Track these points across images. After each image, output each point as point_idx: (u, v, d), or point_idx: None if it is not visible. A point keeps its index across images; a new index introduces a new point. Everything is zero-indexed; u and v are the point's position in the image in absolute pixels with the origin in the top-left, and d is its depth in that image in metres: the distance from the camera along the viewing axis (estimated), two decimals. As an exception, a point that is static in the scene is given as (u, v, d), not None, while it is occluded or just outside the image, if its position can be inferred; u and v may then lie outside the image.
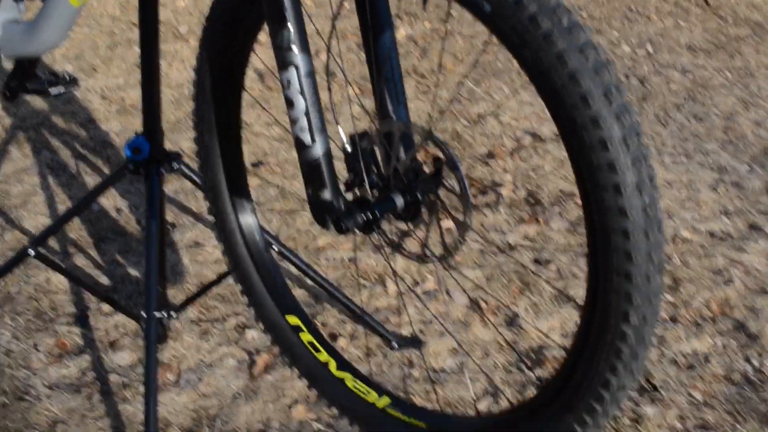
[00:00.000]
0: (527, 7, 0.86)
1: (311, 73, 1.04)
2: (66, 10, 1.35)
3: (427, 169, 1.10)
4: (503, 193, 2.44)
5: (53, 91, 1.51)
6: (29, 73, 1.49)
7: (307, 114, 1.04)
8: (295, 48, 1.02)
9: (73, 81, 1.55)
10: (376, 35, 1.11)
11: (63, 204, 2.23)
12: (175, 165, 1.66)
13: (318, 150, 1.06)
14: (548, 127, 2.79)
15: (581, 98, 0.85)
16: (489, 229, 2.25)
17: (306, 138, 1.05)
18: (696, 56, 3.51)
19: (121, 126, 2.64)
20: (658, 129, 2.81)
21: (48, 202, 2.24)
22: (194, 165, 1.52)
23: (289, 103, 1.05)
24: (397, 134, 1.10)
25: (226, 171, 1.33)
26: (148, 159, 1.63)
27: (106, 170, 2.39)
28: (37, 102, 2.70)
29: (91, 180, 2.34)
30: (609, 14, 3.83)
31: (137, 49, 3.14)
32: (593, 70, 0.86)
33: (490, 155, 2.63)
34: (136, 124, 2.62)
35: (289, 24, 1.02)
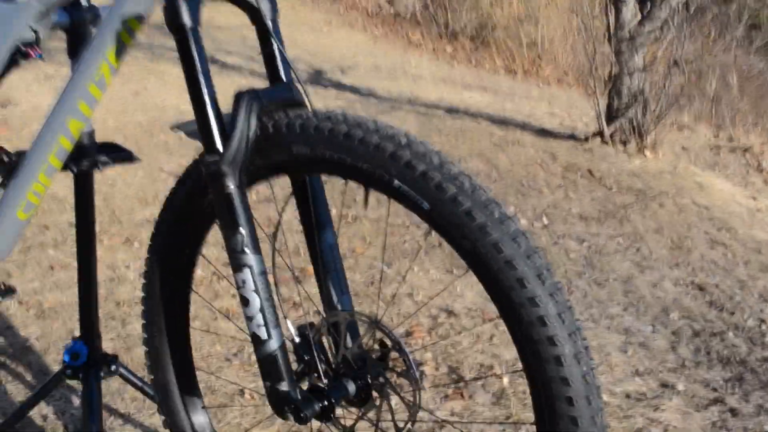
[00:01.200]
0: (462, 203, 0.97)
1: (264, 272, 1.12)
2: (14, 223, 1.39)
3: (373, 354, 1.17)
4: (425, 370, 2.51)
5: None
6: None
7: (262, 310, 1.11)
8: (248, 250, 1.11)
9: (10, 291, 1.58)
10: (318, 233, 1.20)
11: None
12: (114, 368, 1.68)
13: (274, 344, 1.12)
14: (460, 303, 2.90)
15: (518, 280, 0.96)
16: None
17: (262, 333, 1.12)
18: (589, 225, 3.74)
19: (41, 331, 2.62)
20: (564, 297, 2.96)
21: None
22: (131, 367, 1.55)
23: (245, 302, 1.12)
24: (343, 323, 1.18)
25: (176, 370, 1.37)
26: (87, 363, 1.65)
27: (29, 377, 2.36)
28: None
29: (13, 388, 2.30)
30: (504, 190, 4.08)
31: (51, 252, 3.19)
32: (525, 255, 0.97)
33: (409, 334, 2.71)
34: (55, 327, 2.62)
35: (241, 229, 1.10)
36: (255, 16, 1.18)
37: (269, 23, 1.17)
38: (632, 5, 4.68)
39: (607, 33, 4.74)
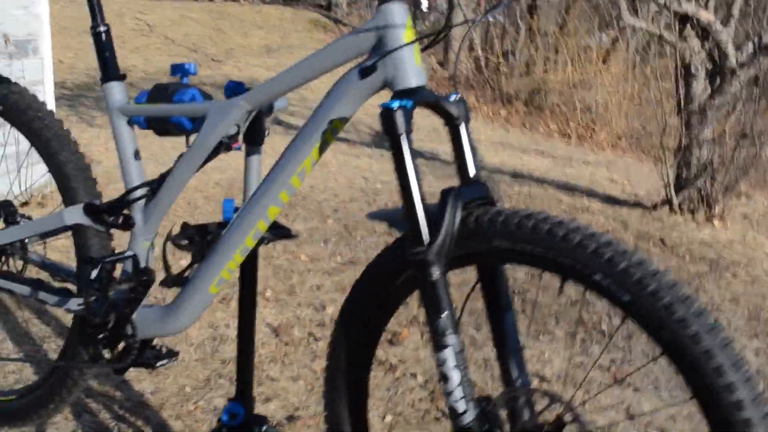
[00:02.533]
0: (663, 297, 1.09)
1: (463, 351, 1.24)
2: (204, 297, 1.53)
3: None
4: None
5: (159, 363, 1.66)
6: (144, 349, 1.64)
7: (461, 385, 1.23)
8: (449, 332, 1.23)
9: (174, 354, 1.71)
10: (500, 315, 1.32)
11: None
12: (265, 428, 1.80)
13: (469, 416, 1.23)
14: (549, 370, 2.99)
15: (714, 369, 1.07)
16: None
17: (460, 407, 1.23)
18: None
19: (154, 386, 2.74)
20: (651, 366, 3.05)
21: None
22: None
23: (444, 378, 1.23)
24: (521, 399, 1.29)
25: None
26: (243, 423, 1.76)
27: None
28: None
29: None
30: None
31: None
32: (721, 345, 1.08)
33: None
34: (167, 383, 2.74)
35: (444, 313, 1.23)
36: (448, 120, 1.31)
37: (462, 127, 1.31)
38: (702, 80, 4.80)
39: (677, 106, 4.86)
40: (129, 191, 1.63)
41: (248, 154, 1.64)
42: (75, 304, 1.66)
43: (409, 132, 1.26)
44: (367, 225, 4.46)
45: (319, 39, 11.89)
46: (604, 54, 10.32)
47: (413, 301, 3.25)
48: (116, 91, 1.68)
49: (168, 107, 1.58)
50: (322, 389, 1.51)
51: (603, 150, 8.82)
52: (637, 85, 9.45)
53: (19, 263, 1.81)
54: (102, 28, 1.68)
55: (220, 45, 10.71)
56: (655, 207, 5.01)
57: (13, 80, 1.94)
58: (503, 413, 1.31)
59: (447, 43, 10.83)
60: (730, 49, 4.70)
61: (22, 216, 1.82)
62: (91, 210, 1.67)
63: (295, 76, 1.41)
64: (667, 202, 4.98)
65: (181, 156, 1.56)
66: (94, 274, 1.57)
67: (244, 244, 1.46)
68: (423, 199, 1.25)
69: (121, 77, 1.70)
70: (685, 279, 4.03)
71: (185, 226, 1.57)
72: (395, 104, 1.25)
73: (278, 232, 1.69)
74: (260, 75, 9.47)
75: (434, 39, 1.34)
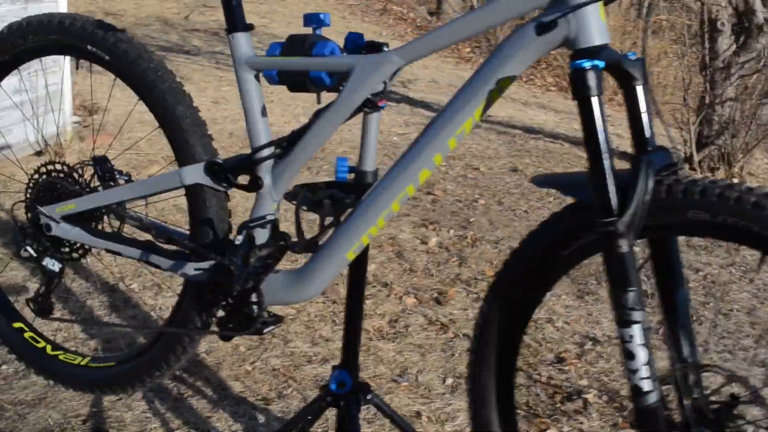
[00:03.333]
0: None
1: (649, 329, 1.18)
2: (341, 263, 1.45)
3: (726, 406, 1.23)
4: (588, 398, 2.57)
5: (266, 329, 1.59)
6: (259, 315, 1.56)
7: (647, 364, 1.17)
8: (637, 307, 1.17)
9: (280, 319, 1.63)
10: (673, 290, 1.26)
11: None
12: (369, 397, 1.74)
13: (654, 396, 1.18)
14: (599, 330, 2.96)
15: None
16: (591, 436, 2.36)
17: (645, 386, 1.17)
18: (699, 253, 3.80)
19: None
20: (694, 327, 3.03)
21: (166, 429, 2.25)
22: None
23: (630, 355, 1.17)
24: (693, 374, 1.24)
25: (499, 410, 1.42)
26: (350, 391, 1.70)
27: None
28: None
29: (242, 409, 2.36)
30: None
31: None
32: None
33: (560, 360, 2.77)
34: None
35: (631, 287, 1.16)
36: (625, 81, 1.23)
37: (640, 89, 1.23)
38: (728, 36, 4.75)
39: (701, 62, 4.81)
40: (257, 149, 1.53)
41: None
42: (192, 269, 1.56)
43: (600, 94, 1.18)
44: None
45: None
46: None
47: (453, 259, 3.21)
48: (243, 42, 1.56)
49: (308, 61, 1.47)
50: (469, 365, 1.44)
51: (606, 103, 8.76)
52: (636, 40, 9.38)
53: (115, 223, 1.70)
54: None
55: (211, -10, 10.45)
56: (674, 165, 4.98)
57: None
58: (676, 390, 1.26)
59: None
60: (758, 5, 4.64)
61: (120, 173, 1.71)
62: (213, 169, 1.57)
63: (457, 31, 1.32)
64: (687, 159, 4.95)
65: (318, 113, 1.46)
66: (239, 239, 1.47)
67: (390, 209, 1.38)
68: (614, 169, 1.18)
69: (249, 27, 1.59)
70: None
71: (316, 186, 1.48)
72: (586, 64, 1.17)
73: None
74: (254, 21, 9.26)
75: None
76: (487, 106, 1.29)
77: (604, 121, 1.18)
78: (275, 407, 2.37)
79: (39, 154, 4.22)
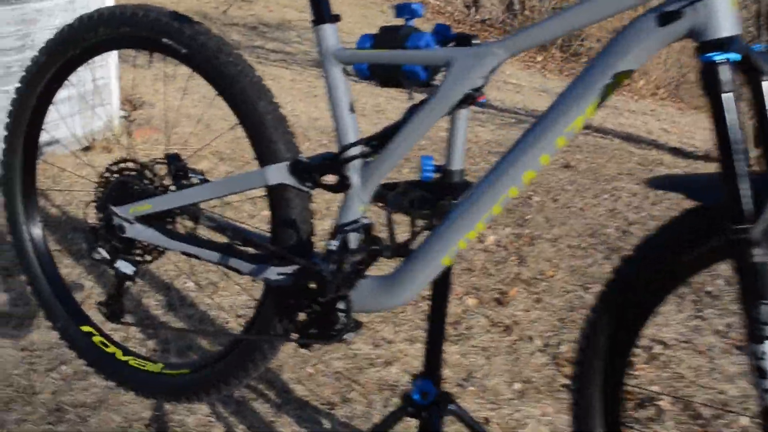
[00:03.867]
0: None
1: (787, 345, 1.09)
2: (436, 268, 1.37)
3: None
4: (661, 405, 2.47)
5: (347, 336, 1.51)
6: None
7: (785, 384, 1.08)
8: (773, 323, 1.08)
9: (359, 325, 1.56)
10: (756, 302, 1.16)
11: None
12: (452, 407, 1.66)
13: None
14: (667, 333, 2.86)
15: None
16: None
17: (777, 407, 1.09)
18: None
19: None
20: None
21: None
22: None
23: (762, 374, 1.09)
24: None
25: (605, 426, 1.33)
26: (433, 402, 1.63)
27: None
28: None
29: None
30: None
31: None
32: None
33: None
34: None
35: (766, 300, 1.07)
36: (751, 74, 1.14)
37: (767, 85, 1.13)
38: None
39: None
40: (345, 148, 1.44)
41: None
42: (275, 273, 1.48)
43: (734, 90, 1.09)
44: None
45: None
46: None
47: (512, 257, 3.10)
48: (330, 34, 1.47)
49: (403, 53, 1.38)
50: (573, 378, 1.36)
51: (644, 99, 8.63)
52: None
53: (189, 224, 1.63)
54: None
55: (250, -16, 10.40)
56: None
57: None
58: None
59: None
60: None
61: (194, 171, 1.63)
62: (299, 168, 1.49)
63: (565, 23, 1.23)
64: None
65: (412, 109, 1.38)
66: (334, 244, 1.39)
67: (490, 212, 1.30)
68: (748, 172, 1.09)
69: (335, 18, 1.49)
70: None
71: (406, 187, 1.40)
72: (719, 57, 1.08)
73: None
74: (293, 17, 9.21)
75: None
76: (602, 101, 1.21)
77: (738, 119, 1.09)
78: (340, 412, 2.30)
79: (87, 149, 4.18)
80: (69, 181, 3.73)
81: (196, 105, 4.86)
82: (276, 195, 1.51)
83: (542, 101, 6.99)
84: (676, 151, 5.29)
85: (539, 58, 9.37)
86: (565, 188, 4.27)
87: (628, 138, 5.63)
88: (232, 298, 2.91)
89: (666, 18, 1.13)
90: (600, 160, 4.81)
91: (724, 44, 1.09)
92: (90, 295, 2.81)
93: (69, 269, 3.01)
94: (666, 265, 1.22)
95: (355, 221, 1.44)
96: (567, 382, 2.52)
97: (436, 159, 1.49)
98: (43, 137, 1.92)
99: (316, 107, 5.41)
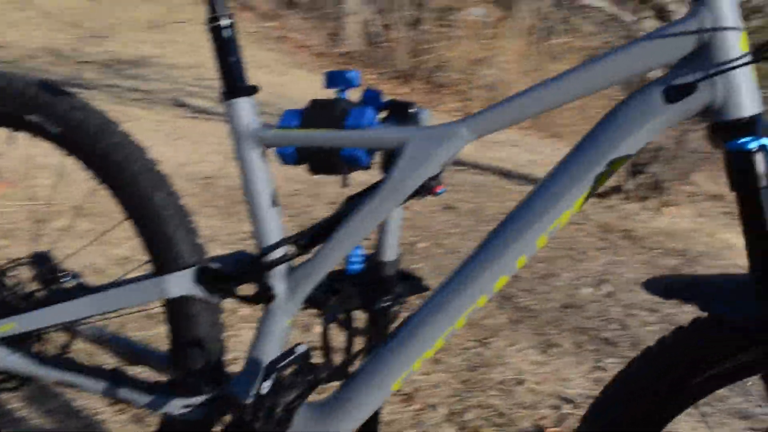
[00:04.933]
0: None
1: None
2: (384, 394, 1.14)
3: None
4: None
5: None
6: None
7: None
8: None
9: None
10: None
11: None
12: None
13: None
14: (574, 390, 2.75)
15: None
16: None
17: None
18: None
19: None
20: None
21: None
22: None
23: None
24: None
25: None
26: None
27: None
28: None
29: None
30: (554, 253, 3.96)
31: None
32: None
33: (539, 430, 2.54)
34: None
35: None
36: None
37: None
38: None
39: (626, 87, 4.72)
40: (267, 250, 1.20)
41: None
42: (179, 406, 1.22)
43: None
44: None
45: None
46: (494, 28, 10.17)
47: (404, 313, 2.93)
48: (245, 110, 1.21)
49: (342, 135, 1.15)
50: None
51: (508, 129, 8.70)
52: (536, 63, 9.38)
53: (62, 338, 1.34)
54: (224, 22, 1.19)
55: (101, 19, 9.91)
56: (605, 194, 4.88)
57: None
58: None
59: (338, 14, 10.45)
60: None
61: (66, 273, 1.34)
62: (207, 277, 1.22)
63: (548, 97, 1.03)
64: (617, 188, 4.86)
65: (350, 201, 1.17)
66: (266, 384, 1.14)
67: (453, 327, 1.11)
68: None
69: (252, 90, 1.23)
70: (664, 274, 3.88)
71: (338, 293, 1.18)
72: (753, 144, 0.91)
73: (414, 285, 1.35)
74: (149, 53, 8.81)
75: None
76: (591, 193, 1.03)
77: None
78: None
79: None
80: None
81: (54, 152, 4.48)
82: (177, 308, 1.25)
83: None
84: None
85: (403, 90, 9.33)
86: (449, 232, 4.15)
87: (502, 173, 5.59)
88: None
89: (675, 92, 0.96)
90: (479, 200, 4.73)
91: (753, 126, 0.93)
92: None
93: None
94: (673, 387, 1.04)
95: (290, 353, 1.18)
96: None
97: (364, 248, 1.30)
98: None
99: (182, 151, 5.11)
